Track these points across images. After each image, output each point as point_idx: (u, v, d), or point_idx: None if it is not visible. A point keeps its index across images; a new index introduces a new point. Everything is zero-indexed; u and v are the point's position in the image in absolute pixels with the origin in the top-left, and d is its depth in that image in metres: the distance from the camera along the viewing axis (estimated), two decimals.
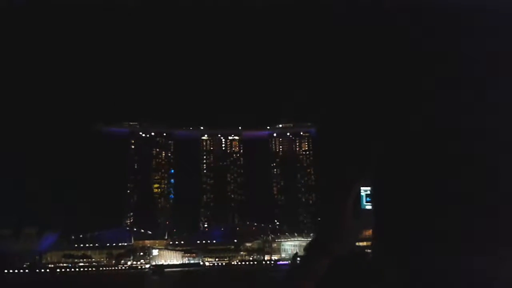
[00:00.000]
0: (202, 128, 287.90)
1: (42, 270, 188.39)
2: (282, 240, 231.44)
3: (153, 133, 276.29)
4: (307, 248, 1.89)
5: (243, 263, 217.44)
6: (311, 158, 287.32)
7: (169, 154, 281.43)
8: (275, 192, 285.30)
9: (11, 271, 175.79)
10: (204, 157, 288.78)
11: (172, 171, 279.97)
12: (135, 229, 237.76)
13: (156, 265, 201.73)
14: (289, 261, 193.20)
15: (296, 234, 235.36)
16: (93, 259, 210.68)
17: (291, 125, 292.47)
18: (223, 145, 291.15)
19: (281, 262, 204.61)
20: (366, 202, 1.85)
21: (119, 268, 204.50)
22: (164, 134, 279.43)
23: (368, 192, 1.87)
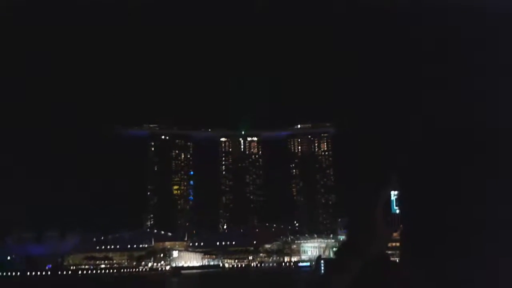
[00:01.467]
0: (220, 129, 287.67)
1: (65, 272, 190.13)
2: (302, 241, 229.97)
3: (172, 135, 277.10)
4: (338, 252, 1.87)
5: (263, 264, 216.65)
6: (330, 158, 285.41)
7: (188, 156, 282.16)
8: (294, 193, 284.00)
9: (33, 273, 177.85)
10: (223, 158, 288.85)
11: (192, 172, 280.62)
12: (155, 231, 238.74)
13: (173, 267, 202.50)
14: (311, 263, 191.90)
15: (315, 235, 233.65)
16: (115, 261, 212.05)
17: (310, 125, 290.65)
18: (242, 147, 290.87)
19: (301, 264, 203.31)
20: (396, 205, 1.83)
21: (140, 269, 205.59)
22: (183, 136, 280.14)
23: (397, 196, 1.87)
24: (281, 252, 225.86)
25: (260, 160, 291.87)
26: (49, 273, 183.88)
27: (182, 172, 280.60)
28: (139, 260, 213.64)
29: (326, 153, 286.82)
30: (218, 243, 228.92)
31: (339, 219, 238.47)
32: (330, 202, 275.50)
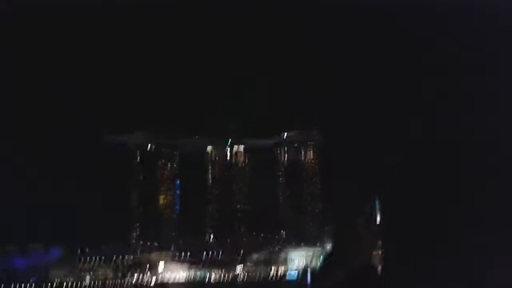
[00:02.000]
0: (207, 138, 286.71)
1: (49, 285, 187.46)
2: (289, 250, 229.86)
3: (158, 144, 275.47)
4: (325, 259, 2.06)
5: (250, 274, 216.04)
6: (317, 166, 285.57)
7: (175, 165, 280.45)
8: (281, 202, 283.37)
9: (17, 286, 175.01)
10: (210, 167, 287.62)
11: (178, 182, 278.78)
12: (141, 242, 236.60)
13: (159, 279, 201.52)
14: (298, 271, 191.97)
15: (303, 244, 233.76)
16: (100, 273, 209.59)
17: (297, 133, 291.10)
18: (228, 155, 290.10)
19: (290, 272, 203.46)
20: (379, 215, 1.93)
21: (126, 281, 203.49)
22: (170, 145, 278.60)
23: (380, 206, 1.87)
24: (268, 262, 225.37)
25: (247, 168, 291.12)
26: (33, 286, 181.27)
27: (168, 181, 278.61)
28: (124, 271, 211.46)
29: (313, 161, 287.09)
30: (205, 253, 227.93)
31: (326, 228, 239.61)
32: (317, 210, 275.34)
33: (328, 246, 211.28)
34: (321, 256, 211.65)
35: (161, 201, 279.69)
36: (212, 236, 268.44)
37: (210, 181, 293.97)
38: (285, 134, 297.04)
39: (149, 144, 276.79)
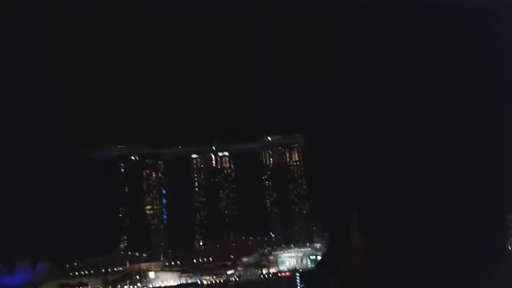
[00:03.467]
0: (191, 146, 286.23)
1: None
2: (279, 252, 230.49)
3: (142, 155, 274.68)
4: (319, 265, 2.14)
5: (241, 278, 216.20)
6: (302, 168, 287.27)
7: (160, 175, 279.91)
8: (268, 205, 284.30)
9: None
10: (195, 175, 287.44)
11: (164, 191, 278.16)
12: (129, 253, 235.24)
13: None
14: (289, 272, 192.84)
15: (292, 246, 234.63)
16: (89, 287, 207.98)
17: (280, 136, 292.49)
18: (213, 162, 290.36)
19: (281, 274, 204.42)
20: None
21: None
22: (153, 155, 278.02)
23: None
24: (259, 265, 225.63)
25: (233, 174, 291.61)
26: None
27: (154, 192, 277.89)
28: (114, 283, 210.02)
29: (298, 163, 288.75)
30: (194, 261, 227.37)
31: (314, 228, 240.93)
32: (304, 211, 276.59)
33: (318, 247, 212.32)
34: (311, 256, 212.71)
35: (148, 212, 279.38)
36: (201, 243, 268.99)
37: (196, 189, 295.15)
38: (269, 138, 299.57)
39: (133, 155, 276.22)
